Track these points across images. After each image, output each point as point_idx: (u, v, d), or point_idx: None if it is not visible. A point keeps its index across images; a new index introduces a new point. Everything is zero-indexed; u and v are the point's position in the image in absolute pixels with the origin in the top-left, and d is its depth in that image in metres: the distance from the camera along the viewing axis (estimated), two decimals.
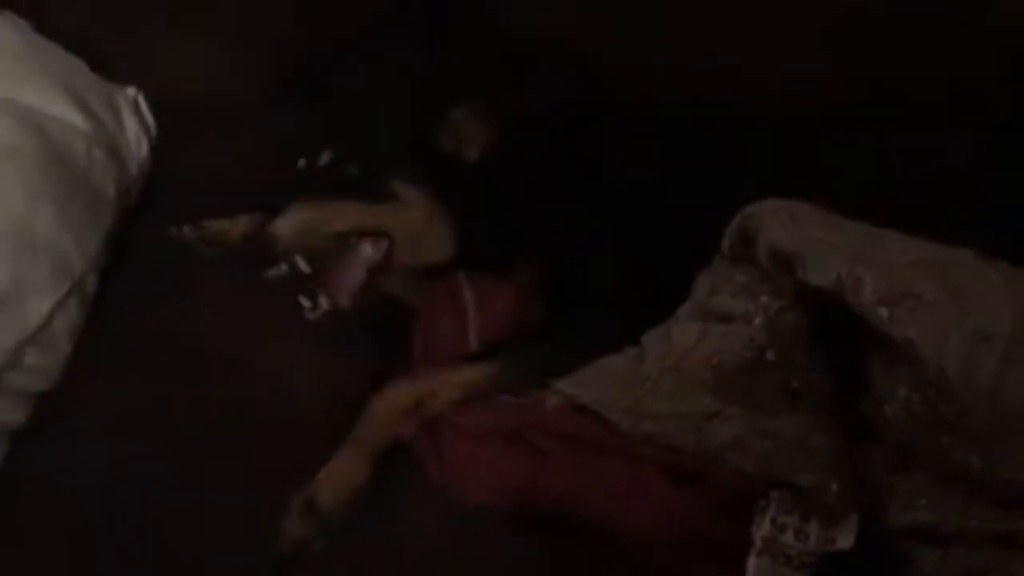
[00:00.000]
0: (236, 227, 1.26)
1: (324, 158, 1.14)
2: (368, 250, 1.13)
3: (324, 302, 1.09)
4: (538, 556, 1.00)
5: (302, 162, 1.16)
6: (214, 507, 1.01)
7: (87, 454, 1.05)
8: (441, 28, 1.36)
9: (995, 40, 1.24)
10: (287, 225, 1.09)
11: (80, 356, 1.14)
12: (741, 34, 1.29)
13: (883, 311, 0.91)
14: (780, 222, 1.02)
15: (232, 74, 1.42)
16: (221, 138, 1.38)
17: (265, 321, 1.18)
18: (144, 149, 1.34)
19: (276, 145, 1.37)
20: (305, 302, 1.09)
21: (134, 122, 1.34)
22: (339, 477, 1.02)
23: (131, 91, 1.37)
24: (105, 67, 1.37)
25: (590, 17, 1.34)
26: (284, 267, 1.09)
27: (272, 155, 1.36)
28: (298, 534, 0.99)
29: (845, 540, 0.93)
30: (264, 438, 1.07)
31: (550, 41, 1.34)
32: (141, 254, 1.26)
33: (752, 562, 0.93)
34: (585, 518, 0.99)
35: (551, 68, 1.34)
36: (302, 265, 1.09)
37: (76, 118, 1.22)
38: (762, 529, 0.94)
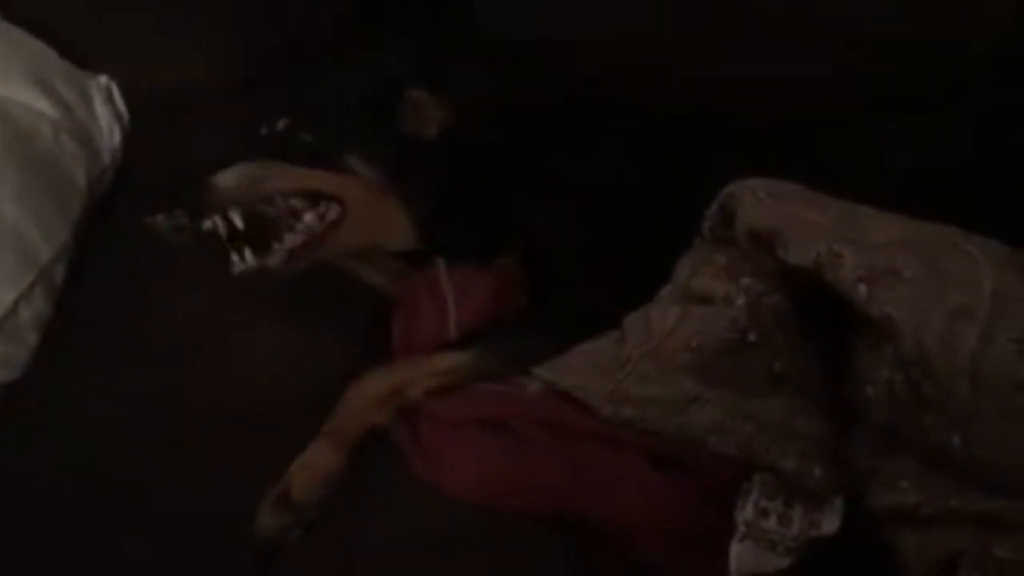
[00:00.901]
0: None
1: (280, 124, 1.12)
2: (310, 216, 1.11)
3: (251, 259, 1.06)
4: (519, 545, 0.99)
5: (264, 130, 1.14)
6: (188, 499, 1.00)
7: (56, 446, 1.03)
8: (414, 20, 1.35)
9: (984, 27, 1.24)
10: (229, 177, 1.06)
11: (49, 347, 1.12)
12: (725, 24, 1.29)
13: (862, 288, 0.89)
14: (759, 201, 1.00)
15: (207, 63, 1.40)
16: (195, 127, 1.35)
17: (240, 311, 1.17)
18: (116, 137, 1.32)
19: (251, 135, 1.36)
20: (234, 256, 1.06)
21: (106, 110, 1.32)
22: (313, 467, 1.01)
23: (103, 79, 1.35)
24: (77, 56, 1.35)
25: (566, 10, 1.34)
26: (218, 220, 1.06)
27: (246, 143, 1.35)
28: (273, 527, 0.97)
29: (829, 525, 0.91)
30: (239, 428, 1.06)
31: (529, 35, 1.34)
32: (114, 243, 1.24)
33: (735, 547, 0.91)
34: (566, 506, 0.98)
35: (528, 60, 1.33)
36: (236, 221, 1.06)
37: (43, 104, 1.20)
38: (745, 514, 0.92)
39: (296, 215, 1.10)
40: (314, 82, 1.17)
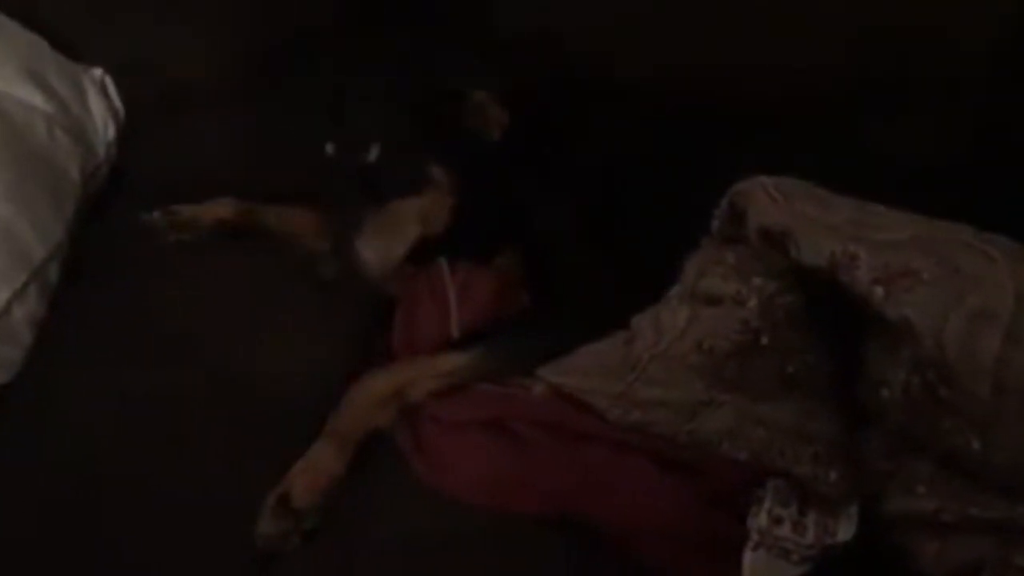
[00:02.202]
0: (208, 212, 1.24)
1: (372, 154, 1.09)
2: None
3: None
4: (521, 547, 0.97)
5: (330, 147, 1.11)
6: (186, 501, 0.98)
7: (52, 447, 1.01)
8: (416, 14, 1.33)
9: (984, 26, 1.23)
10: (371, 252, 1.08)
11: (44, 347, 1.10)
12: (732, 22, 1.27)
13: (879, 290, 0.88)
14: (770, 199, 0.99)
15: (204, 57, 1.39)
16: (192, 122, 1.34)
17: (239, 309, 1.15)
18: (111, 132, 1.30)
19: (247, 129, 1.35)
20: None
21: (101, 104, 1.30)
22: (314, 471, 0.99)
23: (97, 72, 1.33)
24: (71, 48, 1.33)
25: (569, 4, 1.32)
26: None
27: (243, 140, 1.34)
28: (273, 532, 0.95)
29: (845, 532, 0.90)
30: (237, 429, 1.04)
31: (537, 30, 1.32)
32: (109, 240, 1.22)
33: (748, 556, 0.89)
34: (570, 508, 0.97)
35: (531, 54, 1.31)
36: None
37: (36, 98, 1.18)
38: (758, 522, 0.90)
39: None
40: (375, 90, 1.13)
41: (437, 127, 1.12)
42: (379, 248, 1.08)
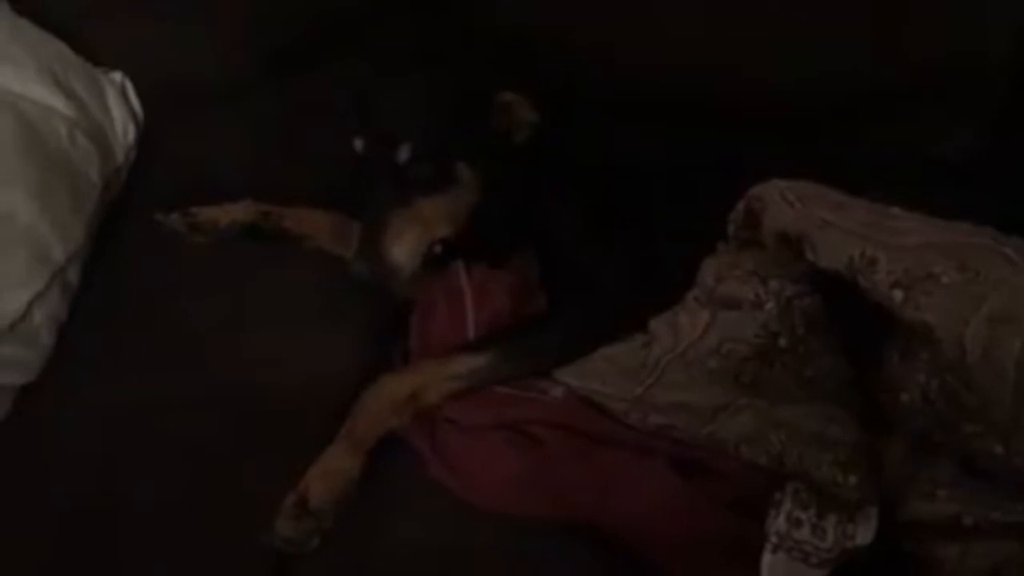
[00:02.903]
0: (226, 215, 1.24)
1: (404, 152, 1.09)
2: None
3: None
4: (539, 553, 0.97)
5: (359, 144, 1.11)
6: (205, 502, 0.98)
7: (71, 448, 1.02)
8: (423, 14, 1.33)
9: (996, 22, 1.22)
10: (401, 252, 1.09)
11: (65, 348, 1.11)
12: (742, 24, 1.27)
13: (898, 293, 0.88)
14: (787, 203, 0.99)
15: (222, 63, 1.39)
16: (210, 125, 1.35)
17: (256, 311, 1.15)
18: (131, 135, 1.31)
19: (264, 133, 1.35)
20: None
21: (120, 107, 1.30)
22: (330, 473, 0.99)
23: (117, 76, 1.34)
24: (91, 52, 1.33)
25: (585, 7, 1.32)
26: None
27: (260, 143, 1.34)
28: (292, 534, 0.96)
29: (864, 536, 0.89)
30: (255, 430, 1.04)
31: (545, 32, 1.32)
32: (129, 242, 1.23)
33: (767, 559, 0.89)
34: (587, 513, 0.97)
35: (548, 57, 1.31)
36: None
37: (57, 101, 1.18)
38: (777, 524, 0.90)
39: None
40: (405, 88, 1.13)
41: (465, 126, 1.12)
42: (407, 247, 1.09)
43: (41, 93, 1.18)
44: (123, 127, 1.30)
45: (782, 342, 0.96)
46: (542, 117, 1.13)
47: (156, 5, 1.35)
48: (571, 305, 1.11)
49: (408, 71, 1.16)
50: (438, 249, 1.13)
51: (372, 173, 1.10)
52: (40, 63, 1.21)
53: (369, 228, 1.09)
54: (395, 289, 1.12)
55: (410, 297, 1.18)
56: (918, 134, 1.24)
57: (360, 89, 1.15)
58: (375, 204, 1.09)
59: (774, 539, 0.90)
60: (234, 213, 1.23)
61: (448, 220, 1.13)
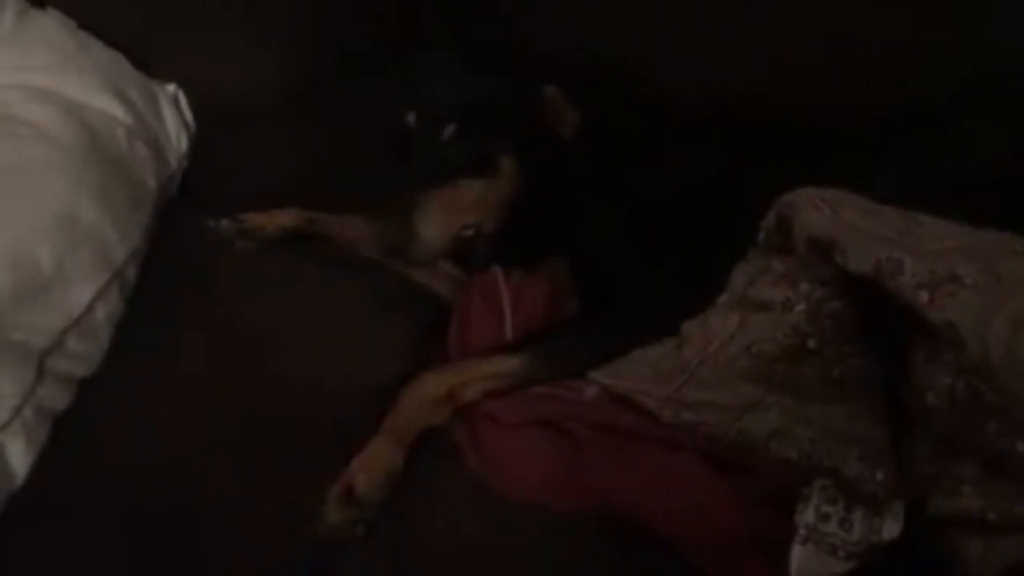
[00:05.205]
0: (273, 221, 1.28)
1: (449, 131, 1.12)
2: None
3: None
4: (573, 547, 1.00)
5: (412, 117, 1.14)
6: (253, 493, 1.02)
7: (128, 440, 1.06)
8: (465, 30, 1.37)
9: None
10: (430, 230, 1.10)
11: (122, 344, 1.15)
12: (782, 33, 1.28)
13: (923, 295, 0.89)
14: (817, 209, 1.00)
15: (270, 74, 1.45)
16: (259, 135, 1.40)
17: (301, 311, 1.20)
18: (184, 143, 1.37)
19: (312, 142, 1.40)
20: None
21: (174, 117, 1.37)
22: (374, 464, 1.02)
23: (171, 87, 1.41)
24: (146, 64, 1.40)
25: (618, 19, 1.34)
26: None
27: (308, 152, 1.39)
28: (338, 521, 0.98)
29: (891, 530, 0.91)
30: (301, 425, 1.08)
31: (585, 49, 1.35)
32: (181, 245, 1.27)
33: (796, 550, 0.91)
34: (624, 508, 0.99)
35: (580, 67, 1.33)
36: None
37: (118, 111, 1.24)
38: (805, 517, 0.92)
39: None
40: (450, 79, 1.16)
41: (510, 117, 1.15)
42: (437, 225, 1.11)
43: (103, 102, 1.24)
44: (176, 135, 1.36)
45: (811, 343, 0.98)
46: (584, 116, 1.15)
47: (208, 20, 1.41)
48: (604, 309, 1.14)
49: (461, 59, 1.19)
50: (468, 233, 1.15)
51: (417, 149, 1.13)
52: (102, 75, 1.28)
53: (401, 200, 1.10)
54: (417, 260, 1.13)
55: (450, 300, 1.23)
56: (947, 152, 1.24)
57: (413, 68, 1.18)
58: (413, 179, 1.11)
59: (803, 532, 0.92)
60: (281, 219, 1.28)
61: (481, 206, 1.15)
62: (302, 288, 1.23)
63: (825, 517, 0.92)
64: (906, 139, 1.24)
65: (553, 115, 1.17)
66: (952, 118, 1.24)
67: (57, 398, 1.06)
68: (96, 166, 1.15)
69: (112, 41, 1.36)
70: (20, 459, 1.00)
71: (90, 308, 1.09)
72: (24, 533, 0.98)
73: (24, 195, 1.09)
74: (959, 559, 0.90)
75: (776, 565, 0.92)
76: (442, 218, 1.12)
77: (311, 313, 1.20)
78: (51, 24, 1.31)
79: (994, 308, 0.86)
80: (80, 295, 1.08)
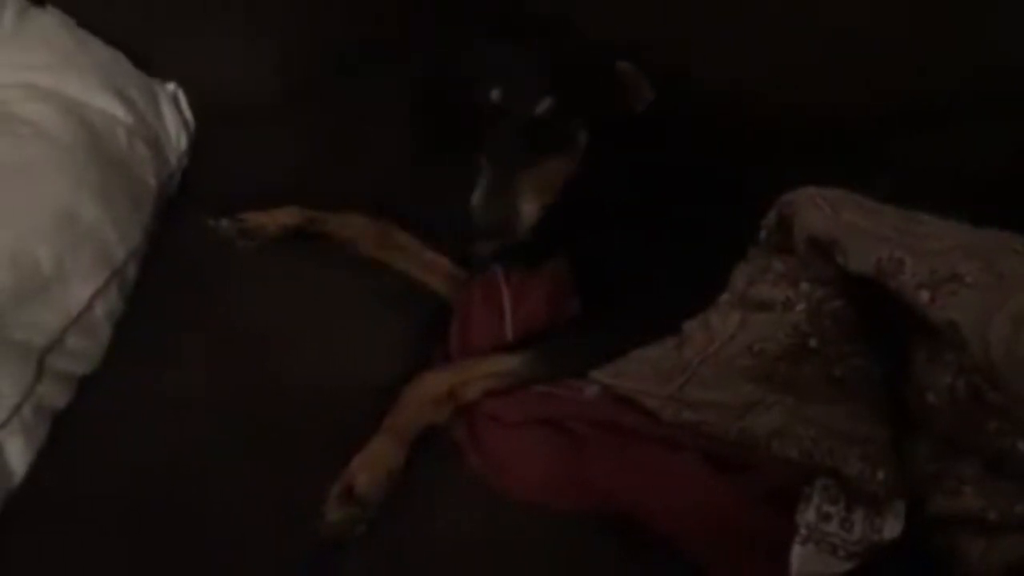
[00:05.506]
0: (274, 220, 1.28)
1: (542, 106, 1.10)
2: None
3: None
4: (574, 545, 1.00)
5: (496, 94, 1.12)
6: (253, 492, 1.02)
7: (128, 439, 1.05)
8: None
9: None
10: (531, 210, 1.10)
11: (121, 342, 1.15)
12: (782, 33, 1.28)
13: (924, 294, 0.89)
14: (817, 209, 1.01)
15: (270, 73, 1.44)
16: (259, 134, 1.39)
17: (301, 310, 1.20)
18: (183, 143, 1.36)
19: (312, 141, 1.39)
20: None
21: (174, 116, 1.36)
22: (375, 463, 1.02)
23: (171, 86, 1.40)
24: (146, 63, 1.39)
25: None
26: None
27: (308, 151, 1.39)
28: (338, 520, 0.98)
29: (891, 529, 0.91)
30: (301, 424, 1.08)
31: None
32: (181, 244, 1.27)
33: (797, 550, 0.91)
34: (624, 508, 0.99)
35: None
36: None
37: (118, 110, 1.24)
38: (806, 517, 0.92)
39: None
40: (535, 50, 1.15)
41: (588, 91, 1.14)
42: (535, 204, 1.10)
43: (103, 101, 1.24)
44: (176, 134, 1.36)
45: (812, 343, 0.98)
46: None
47: (208, 20, 1.40)
48: (605, 309, 1.14)
49: (532, 37, 1.17)
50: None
51: (506, 125, 1.11)
52: (102, 74, 1.27)
53: (498, 178, 1.10)
54: (514, 239, 1.12)
55: (451, 299, 1.22)
56: (946, 152, 1.24)
57: (478, 48, 1.16)
58: (501, 158, 1.10)
59: (804, 531, 0.92)
60: (281, 218, 1.28)
61: (558, 184, 1.14)
62: (302, 287, 1.23)
63: (826, 517, 0.92)
64: (906, 139, 1.24)
65: (627, 90, 1.16)
66: (952, 118, 1.24)
67: (56, 396, 1.06)
68: (96, 165, 1.15)
69: (112, 40, 1.35)
70: (19, 458, 1.00)
71: (90, 306, 1.09)
72: (23, 532, 0.97)
73: (24, 194, 1.09)
74: (959, 559, 0.90)
75: (777, 564, 0.93)
76: (539, 196, 1.11)
77: (311, 312, 1.20)
78: (51, 23, 1.31)
79: (995, 307, 0.86)
80: (80, 293, 1.08)
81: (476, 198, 1.11)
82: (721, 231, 1.11)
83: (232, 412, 1.08)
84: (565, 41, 1.17)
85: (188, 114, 1.40)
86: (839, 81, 1.28)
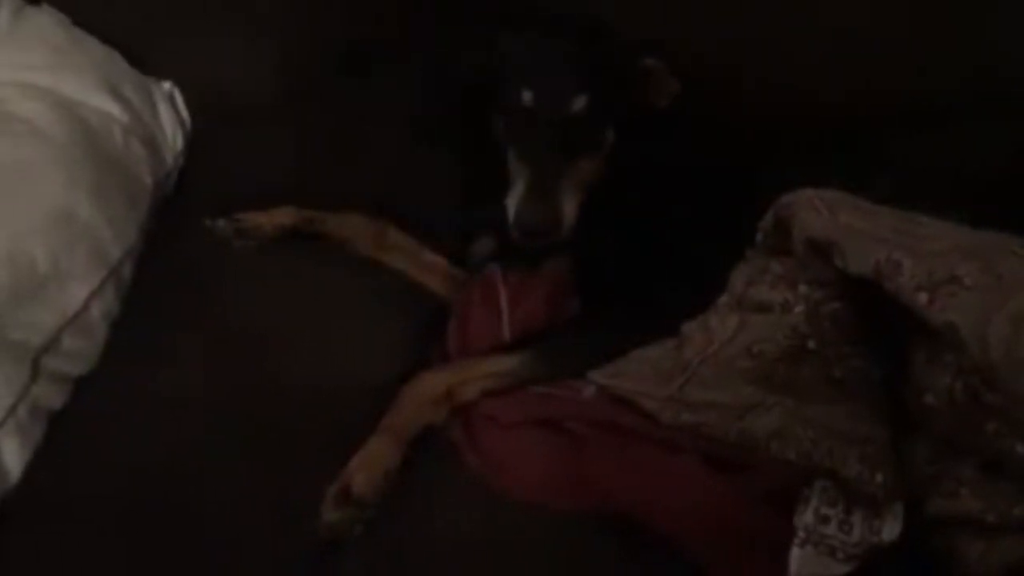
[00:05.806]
0: (271, 220, 1.28)
1: (579, 103, 1.10)
2: None
3: None
4: (573, 545, 1.00)
5: (527, 96, 1.11)
6: (250, 492, 1.02)
7: (124, 439, 1.05)
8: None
9: None
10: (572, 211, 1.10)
11: (117, 342, 1.15)
12: (782, 33, 1.29)
13: (923, 296, 0.89)
14: (815, 211, 1.00)
15: (267, 73, 1.44)
16: (256, 134, 1.39)
17: (299, 310, 1.19)
18: (180, 141, 1.36)
19: (309, 141, 1.39)
20: None
21: (170, 115, 1.36)
22: (372, 463, 1.02)
23: (167, 85, 1.40)
24: (142, 62, 1.39)
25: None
26: None
27: (305, 151, 1.38)
28: (336, 520, 0.98)
29: (890, 532, 0.91)
30: (299, 424, 1.08)
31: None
32: (177, 244, 1.27)
33: (795, 552, 0.91)
34: (624, 508, 0.99)
35: None
36: None
37: (113, 108, 1.24)
38: (804, 519, 0.92)
39: None
40: (562, 49, 1.15)
41: (616, 90, 1.14)
42: (574, 204, 1.11)
43: (99, 100, 1.23)
44: (172, 133, 1.36)
45: (811, 344, 0.98)
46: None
47: (206, 19, 1.40)
48: (604, 309, 1.14)
49: (558, 34, 1.17)
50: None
51: (540, 126, 1.11)
52: (97, 72, 1.27)
53: (537, 179, 1.10)
54: (555, 239, 1.12)
55: (449, 299, 1.22)
56: (945, 153, 1.23)
57: (503, 48, 1.16)
58: (539, 159, 1.11)
59: (802, 533, 0.92)
60: (279, 218, 1.27)
61: (591, 181, 1.14)
62: (300, 287, 1.22)
63: (824, 519, 0.92)
64: (906, 139, 1.24)
65: (654, 87, 1.16)
66: (952, 118, 1.24)
67: (52, 397, 1.06)
68: (92, 164, 1.15)
69: (108, 38, 1.35)
70: (15, 458, 1.00)
71: (86, 306, 1.09)
72: (19, 533, 0.97)
73: (19, 193, 1.09)
74: (958, 560, 0.90)
75: (777, 564, 0.93)
76: (577, 195, 1.12)
77: (309, 312, 1.19)
78: (46, 21, 1.30)
79: (994, 308, 0.86)
80: (76, 293, 1.08)
81: (517, 199, 1.11)
82: (721, 231, 1.11)
83: (229, 412, 1.08)
84: (592, 38, 1.17)
85: (184, 113, 1.40)
86: (839, 81, 1.28)
